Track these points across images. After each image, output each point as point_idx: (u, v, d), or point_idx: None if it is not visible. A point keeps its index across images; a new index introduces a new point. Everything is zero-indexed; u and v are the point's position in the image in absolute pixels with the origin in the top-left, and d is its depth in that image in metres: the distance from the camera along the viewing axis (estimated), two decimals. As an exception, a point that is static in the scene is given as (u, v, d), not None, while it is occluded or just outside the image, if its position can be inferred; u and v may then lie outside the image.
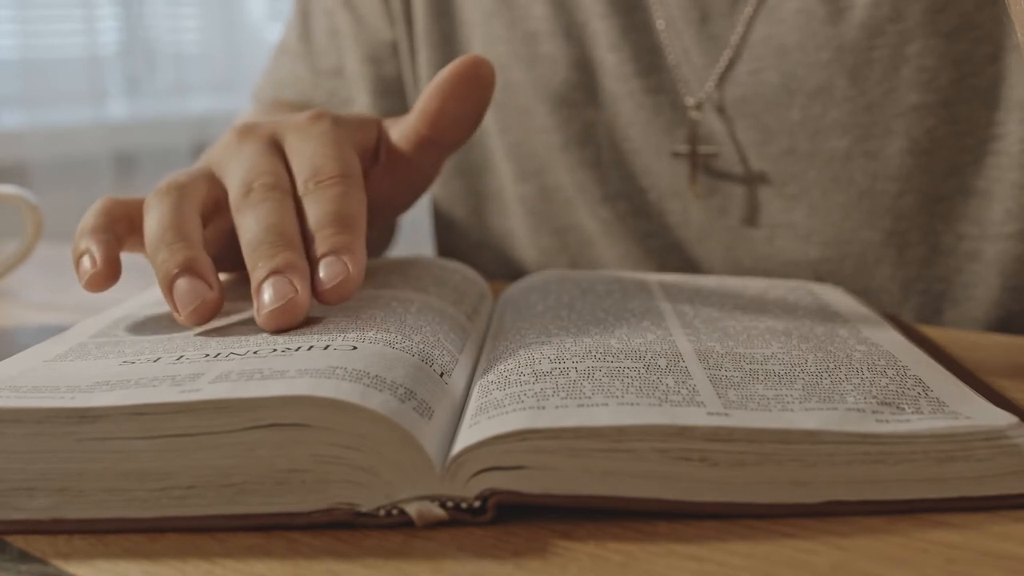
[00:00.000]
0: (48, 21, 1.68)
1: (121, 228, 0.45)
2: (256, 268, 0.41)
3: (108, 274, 0.42)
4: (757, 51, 0.59)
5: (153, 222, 0.43)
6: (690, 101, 0.61)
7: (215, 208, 0.45)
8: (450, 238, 0.73)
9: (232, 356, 0.36)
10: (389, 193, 0.51)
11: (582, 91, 0.64)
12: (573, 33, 0.64)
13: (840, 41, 0.57)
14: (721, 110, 0.61)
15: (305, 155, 0.45)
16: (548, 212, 0.67)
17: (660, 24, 0.62)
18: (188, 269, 0.41)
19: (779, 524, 0.31)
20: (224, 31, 1.89)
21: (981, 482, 0.32)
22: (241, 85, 1.76)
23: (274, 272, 0.40)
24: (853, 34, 0.56)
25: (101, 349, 0.39)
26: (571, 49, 0.64)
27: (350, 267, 0.41)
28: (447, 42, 0.69)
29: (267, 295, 0.40)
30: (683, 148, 0.62)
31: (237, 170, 0.45)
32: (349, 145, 0.46)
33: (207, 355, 0.36)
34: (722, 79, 0.60)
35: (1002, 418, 0.33)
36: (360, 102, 0.72)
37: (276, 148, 0.46)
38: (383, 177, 0.50)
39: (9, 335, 0.56)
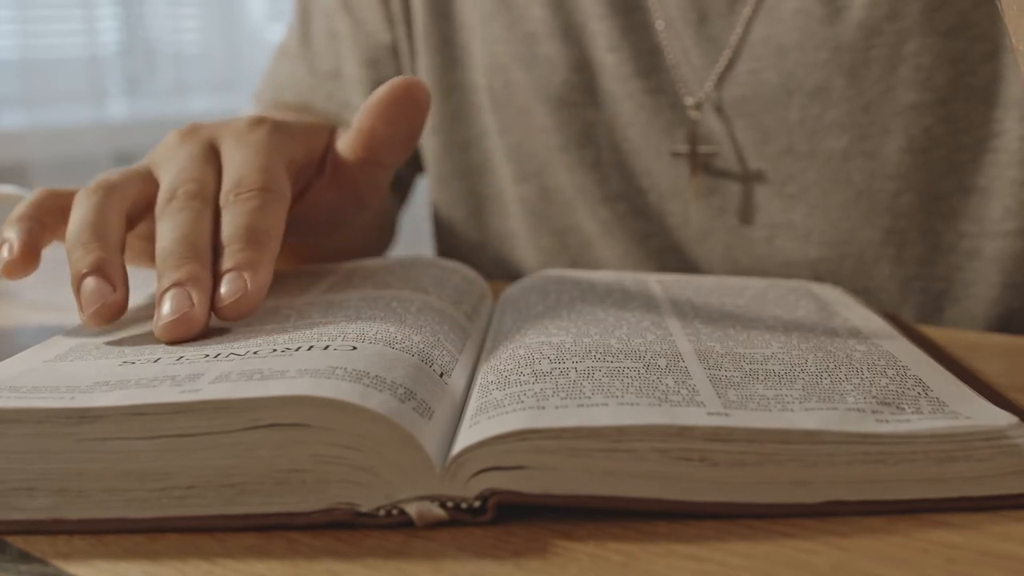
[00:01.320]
0: (48, 21, 1.68)
1: (51, 219, 0.45)
2: (161, 278, 0.41)
3: (23, 261, 0.43)
4: (756, 51, 0.59)
5: (75, 220, 0.43)
6: (689, 101, 0.61)
7: (147, 206, 0.46)
8: (450, 239, 0.73)
9: (232, 356, 0.36)
10: (334, 205, 0.51)
11: (581, 92, 0.64)
12: (572, 34, 0.64)
13: (838, 41, 0.57)
14: (720, 110, 0.61)
15: (234, 164, 0.46)
16: (548, 213, 0.67)
17: (659, 25, 0.62)
18: (97, 270, 0.41)
19: (779, 524, 0.31)
20: (224, 31, 1.89)
21: (981, 482, 0.32)
22: (241, 85, 1.76)
23: (176, 284, 0.41)
24: (851, 34, 0.56)
25: (101, 349, 0.39)
26: (570, 50, 0.64)
27: (249, 284, 0.41)
28: (446, 44, 0.69)
29: (166, 307, 0.40)
30: (682, 148, 0.62)
31: (168, 173, 0.46)
32: (280, 155, 0.46)
33: (207, 355, 0.36)
34: (721, 79, 0.60)
35: (1002, 418, 0.33)
36: (358, 105, 0.72)
37: (212, 153, 0.47)
38: (328, 189, 0.50)
39: (9, 335, 0.56)
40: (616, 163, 0.64)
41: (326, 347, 0.36)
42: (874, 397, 0.34)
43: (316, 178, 0.50)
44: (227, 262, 0.42)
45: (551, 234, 0.68)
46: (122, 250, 0.43)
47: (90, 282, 0.41)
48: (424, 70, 0.70)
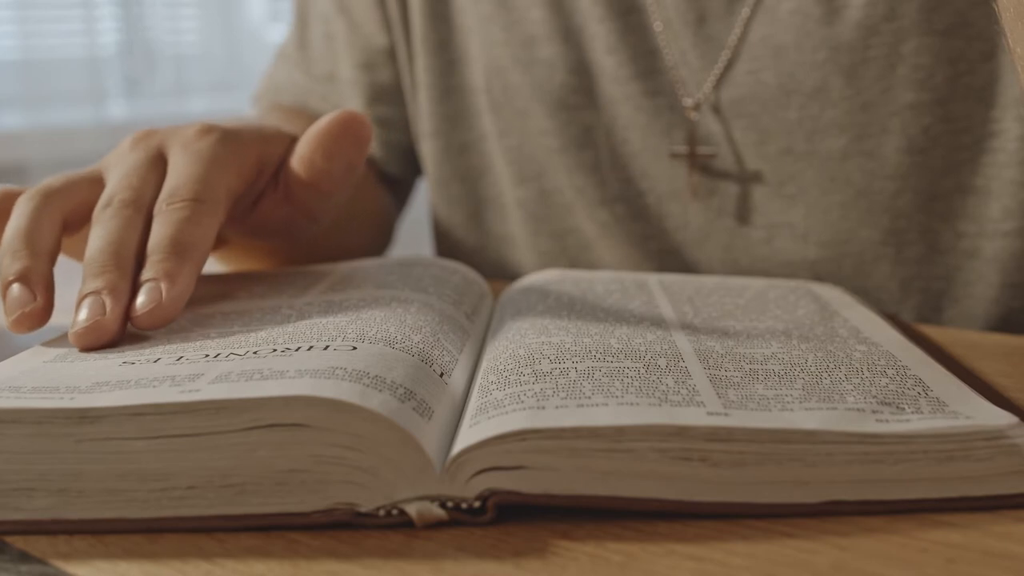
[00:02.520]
0: (48, 21, 1.68)
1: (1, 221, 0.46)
2: (83, 285, 0.42)
3: None
4: (754, 52, 0.59)
5: (9, 226, 0.44)
6: (688, 102, 0.61)
7: (92, 210, 0.46)
8: (449, 242, 0.73)
9: (232, 356, 0.36)
10: (286, 217, 0.51)
11: (580, 94, 0.64)
12: (571, 36, 0.64)
13: (836, 41, 0.57)
14: (719, 111, 0.61)
15: (174, 173, 0.46)
16: (547, 215, 0.67)
17: (658, 26, 0.62)
18: (22, 278, 0.42)
19: (779, 524, 0.31)
20: (224, 32, 1.89)
21: (981, 482, 0.32)
22: (241, 86, 1.76)
23: (93, 292, 0.41)
24: (849, 34, 0.56)
25: (101, 350, 0.39)
26: (569, 52, 0.64)
27: (164, 295, 0.41)
28: (445, 47, 0.69)
29: (81, 314, 0.41)
30: (681, 149, 0.62)
31: (112, 179, 0.46)
32: (223, 166, 0.46)
33: (207, 355, 0.36)
34: (720, 80, 0.60)
35: (1002, 418, 0.33)
36: (353, 107, 0.72)
37: (159, 161, 0.47)
38: (280, 203, 0.50)
39: (9, 335, 0.56)
40: (615, 165, 0.64)
41: (326, 347, 0.36)
42: (874, 397, 0.34)
43: (270, 188, 0.50)
44: (147, 272, 0.42)
45: (550, 236, 0.68)
46: (53, 258, 0.44)
47: (14, 289, 0.42)
48: (422, 73, 0.70)
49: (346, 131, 0.48)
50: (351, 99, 0.72)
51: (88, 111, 1.68)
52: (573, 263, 0.67)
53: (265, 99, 0.76)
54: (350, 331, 0.38)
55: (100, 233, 0.43)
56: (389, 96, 0.72)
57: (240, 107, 0.90)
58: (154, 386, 0.33)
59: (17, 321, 0.41)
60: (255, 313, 0.43)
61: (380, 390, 0.33)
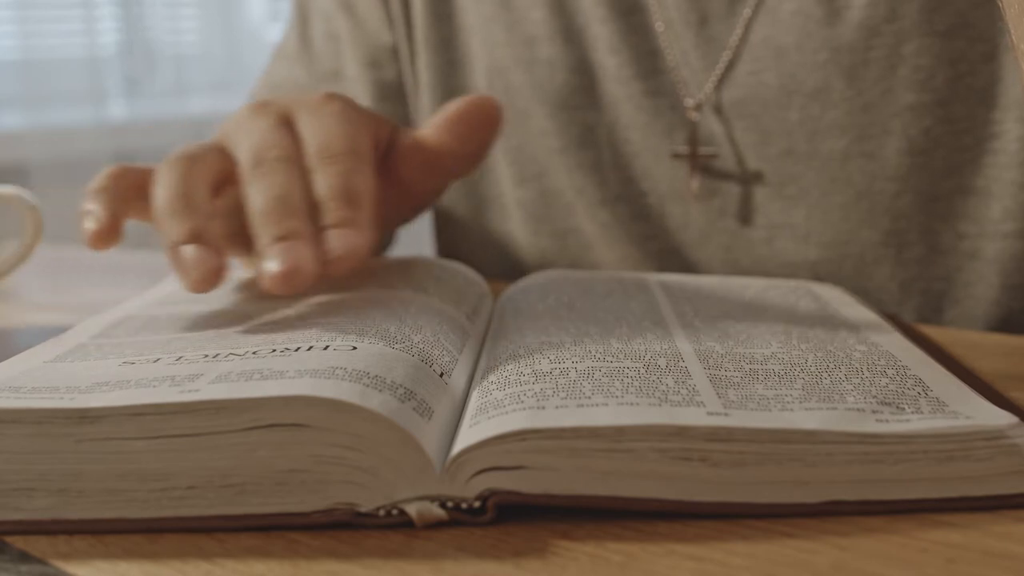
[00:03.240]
0: (48, 21, 1.68)
1: (129, 194, 0.45)
2: (262, 235, 0.41)
3: (109, 232, 0.43)
4: (755, 52, 0.59)
5: (162, 190, 0.43)
6: (689, 103, 0.61)
7: (225, 179, 0.45)
8: (450, 241, 0.73)
9: (232, 356, 0.36)
10: (391, 205, 0.51)
11: (582, 94, 0.64)
12: (573, 36, 0.64)
13: (837, 42, 0.57)
14: (720, 112, 0.61)
15: (315, 131, 0.45)
16: (548, 215, 0.67)
17: (659, 27, 0.62)
18: (195, 237, 0.41)
19: (779, 524, 0.31)
20: (224, 32, 1.89)
21: (981, 482, 0.32)
22: (241, 86, 1.76)
23: (280, 239, 0.40)
24: (850, 35, 0.56)
25: (101, 350, 0.39)
26: (571, 52, 0.64)
27: (355, 240, 0.41)
28: (447, 46, 0.69)
29: (273, 261, 0.40)
30: (683, 150, 0.62)
31: (248, 143, 0.45)
32: (360, 126, 0.46)
33: (206, 355, 0.36)
34: (721, 81, 0.60)
35: (1002, 418, 0.33)
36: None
37: (287, 124, 0.46)
38: (386, 189, 0.50)
39: (9, 335, 0.56)
40: (616, 165, 0.64)
41: (326, 347, 0.36)
42: (874, 397, 0.34)
43: (378, 172, 0.50)
44: (328, 219, 0.41)
45: (551, 236, 0.68)
46: (213, 218, 0.43)
47: (188, 249, 0.41)
48: (424, 72, 0.70)
49: (482, 114, 0.48)
50: (357, 97, 0.72)
51: (88, 111, 1.68)
52: (574, 263, 0.67)
53: (263, 97, 0.76)
54: (350, 331, 0.38)
55: (263, 187, 0.42)
56: (394, 94, 0.72)
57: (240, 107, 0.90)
58: (154, 386, 0.33)
59: (200, 279, 0.40)
60: (254, 313, 0.43)
61: (380, 390, 0.33)
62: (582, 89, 0.64)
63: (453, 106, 0.48)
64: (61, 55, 1.67)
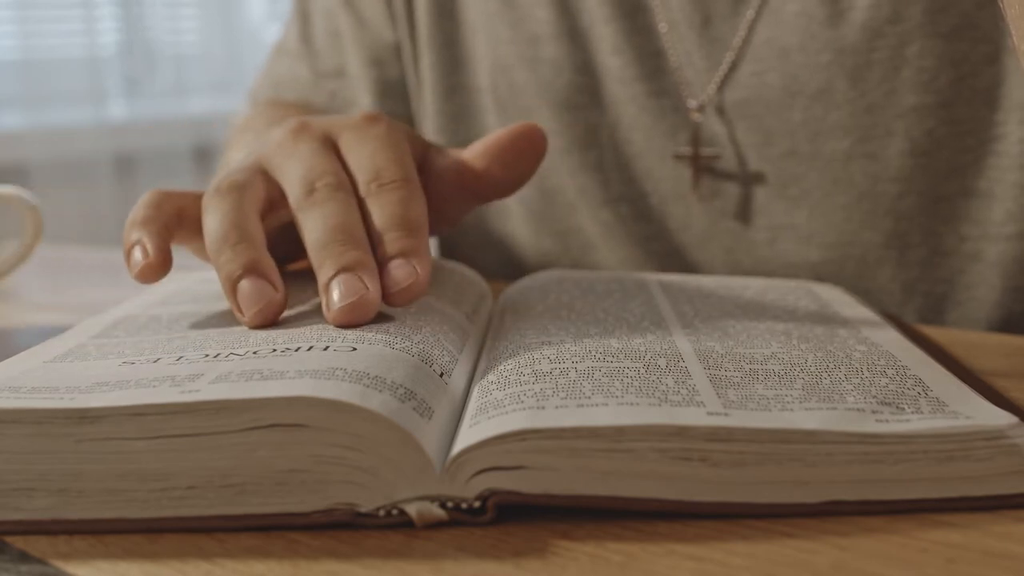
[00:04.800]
0: (48, 21, 1.68)
1: (172, 221, 0.44)
2: (324, 266, 0.41)
3: (160, 265, 0.42)
4: (759, 53, 0.59)
5: (215, 222, 0.42)
6: (692, 104, 0.61)
7: (270, 207, 0.45)
8: (451, 241, 0.73)
9: (232, 356, 0.36)
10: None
11: (585, 94, 0.64)
12: (576, 37, 0.64)
13: (840, 43, 0.57)
14: (723, 113, 0.61)
15: (364, 156, 0.45)
16: (549, 215, 0.67)
17: (663, 28, 0.62)
18: (252, 270, 0.41)
19: (779, 524, 0.31)
20: (224, 32, 1.89)
21: (981, 482, 0.32)
22: (241, 86, 1.76)
23: (344, 270, 0.40)
24: (853, 36, 0.56)
25: (101, 350, 0.39)
26: (574, 52, 0.64)
27: (419, 270, 0.41)
28: (450, 44, 0.69)
29: (337, 292, 0.40)
30: (685, 151, 0.62)
31: (296, 169, 0.44)
32: (406, 150, 0.46)
33: (207, 355, 0.36)
34: (724, 82, 0.60)
35: (1002, 418, 0.33)
36: (362, 104, 0.72)
37: (332, 147, 0.46)
38: None
39: (9, 335, 0.56)
40: (618, 166, 0.64)
41: (326, 348, 0.36)
42: (874, 397, 0.34)
43: None
44: (390, 249, 0.41)
45: (552, 236, 0.68)
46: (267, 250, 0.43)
47: (247, 283, 0.41)
48: (427, 71, 0.70)
49: (530, 143, 0.48)
50: (360, 95, 0.72)
51: (88, 111, 1.68)
52: (575, 263, 0.67)
53: (263, 95, 0.76)
54: (350, 331, 0.38)
55: (320, 216, 0.42)
56: (397, 92, 0.72)
57: (240, 107, 0.90)
58: (154, 386, 0.33)
59: (262, 312, 0.40)
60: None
61: (380, 390, 0.33)
62: (585, 89, 0.64)
63: (503, 134, 0.48)
64: (61, 55, 1.67)
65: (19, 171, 1.55)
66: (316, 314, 0.42)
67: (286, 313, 0.42)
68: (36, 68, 1.64)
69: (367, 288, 0.40)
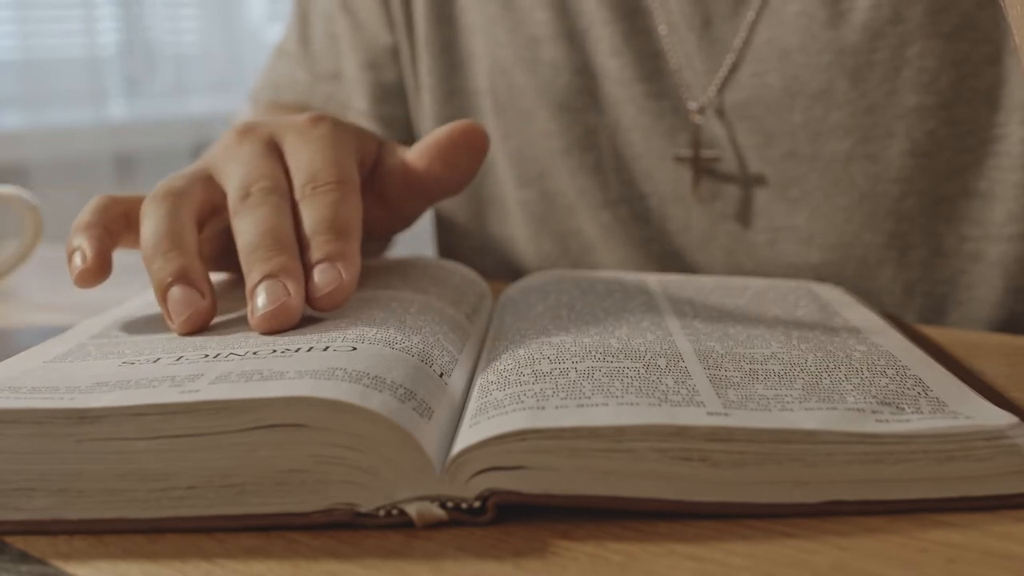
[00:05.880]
0: (48, 21, 1.68)
1: (117, 226, 0.45)
2: (251, 272, 0.41)
3: (98, 270, 0.43)
4: (759, 54, 0.59)
5: (149, 229, 0.43)
6: (692, 105, 0.61)
7: (212, 211, 0.45)
8: (451, 242, 0.73)
9: (232, 357, 0.36)
10: (377, 220, 0.51)
11: (584, 96, 0.64)
12: (575, 38, 0.64)
13: (841, 44, 0.57)
14: (723, 114, 0.60)
15: (303, 159, 0.45)
16: (549, 217, 0.67)
17: (662, 29, 0.62)
18: (182, 277, 0.41)
19: (779, 524, 0.31)
20: (224, 32, 1.89)
21: (981, 482, 0.32)
22: (241, 86, 1.76)
23: (268, 276, 0.40)
24: (854, 37, 0.56)
25: (101, 350, 0.39)
26: (573, 54, 0.64)
27: (344, 275, 0.41)
28: (448, 48, 0.69)
29: (261, 298, 0.40)
30: (685, 152, 0.62)
31: (236, 172, 0.45)
32: (347, 151, 0.46)
33: (207, 356, 0.36)
34: (724, 83, 0.60)
35: (1002, 418, 0.33)
36: (358, 107, 0.72)
37: (275, 150, 0.46)
38: (373, 206, 0.50)
39: (9, 335, 0.56)
40: (618, 167, 0.64)
41: (326, 348, 0.36)
42: (874, 397, 0.34)
43: (364, 188, 0.50)
44: (316, 253, 0.42)
45: (552, 238, 0.68)
46: (200, 256, 0.43)
47: (177, 291, 0.41)
48: (426, 74, 0.70)
49: (468, 141, 0.48)
50: (356, 98, 0.72)
51: (88, 111, 1.68)
52: (575, 265, 0.67)
53: (263, 97, 0.76)
54: (350, 332, 0.38)
55: (252, 221, 0.42)
56: (394, 95, 0.72)
57: (240, 107, 0.90)
58: (154, 386, 0.33)
59: (188, 320, 0.41)
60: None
61: (380, 390, 0.33)
62: (584, 91, 0.64)
63: (442, 132, 0.48)
64: (61, 55, 1.67)
65: (19, 171, 1.55)
66: (315, 315, 0.42)
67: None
68: (36, 68, 1.64)
69: (289, 294, 0.40)
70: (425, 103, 0.70)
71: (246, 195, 0.44)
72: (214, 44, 1.88)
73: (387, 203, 0.50)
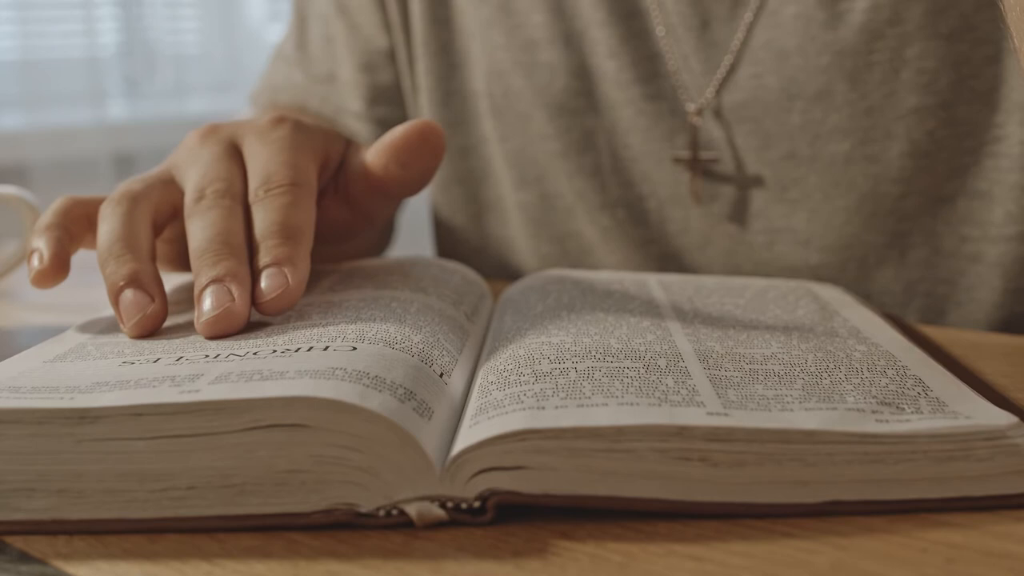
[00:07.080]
0: (48, 22, 1.68)
1: (78, 227, 0.45)
2: (199, 276, 0.41)
3: (54, 271, 0.43)
4: (757, 56, 0.59)
5: (104, 232, 0.43)
6: (690, 107, 0.61)
7: (172, 212, 0.46)
8: (450, 244, 0.73)
9: (232, 357, 0.36)
10: (343, 220, 0.51)
11: (582, 98, 0.64)
12: (572, 41, 0.64)
13: (840, 45, 0.57)
14: (721, 116, 0.60)
15: (259, 161, 0.45)
16: (548, 219, 0.67)
17: (660, 31, 0.62)
18: (133, 281, 0.42)
19: (779, 524, 0.31)
20: (224, 32, 1.89)
21: (981, 482, 0.32)
22: (241, 86, 1.76)
23: (215, 280, 0.41)
24: (852, 38, 0.56)
25: (101, 350, 0.39)
26: (570, 56, 0.64)
27: (290, 279, 0.41)
28: (446, 50, 0.69)
29: (206, 303, 0.40)
30: (683, 154, 0.62)
31: (193, 175, 0.45)
32: (305, 153, 0.46)
33: (207, 356, 0.36)
34: (722, 85, 0.60)
35: (1002, 418, 0.33)
36: (353, 109, 0.72)
37: (234, 152, 0.47)
38: (339, 206, 0.50)
39: (9, 335, 0.56)
40: (616, 169, 0.64)
41: (326, 348, 0.36)
42: (874, 397, 0.34)
43: (330, 188, 0.50)
44: (264, 257, 0.42)
45: (551, 240, 0.68)
46: (154, 259, 0.43)
47: (128, 294, 0.41)
48: (423, 76, 0.69)
49: (424, 140, 0.48)
50: (351, 100, 0.72)
51: (88, 111, 1.68)
52: (573, 267, 0.67)
53: (262, 99, 0.76)
54: (350, 332, 0.38)
55: (202, 224, 0.43)
56: (389, 97, 0.72)
57: (239, 108, 0.90)
58: (154, 386, 0.33)
59: (138, 324, 0.41)
60: (254, 314, 0.43)
61: (380, 390, 0.33)
62: (582, 93, 0.64)
63: (398, 132, 0.48)
64: (61, 55, 1.67)
65: (19, 171, 1.55)
66: (315, 315, 0.42)
67: (287, 313, 0.42)
68: (36, 68, 1.64)
69: (233, 299, 0.40)
70: (423, 106, 0.70)
71: (200, 197, 0.44)
72: (214, 44, 1.88)
73: (353, 203, 0.50)
